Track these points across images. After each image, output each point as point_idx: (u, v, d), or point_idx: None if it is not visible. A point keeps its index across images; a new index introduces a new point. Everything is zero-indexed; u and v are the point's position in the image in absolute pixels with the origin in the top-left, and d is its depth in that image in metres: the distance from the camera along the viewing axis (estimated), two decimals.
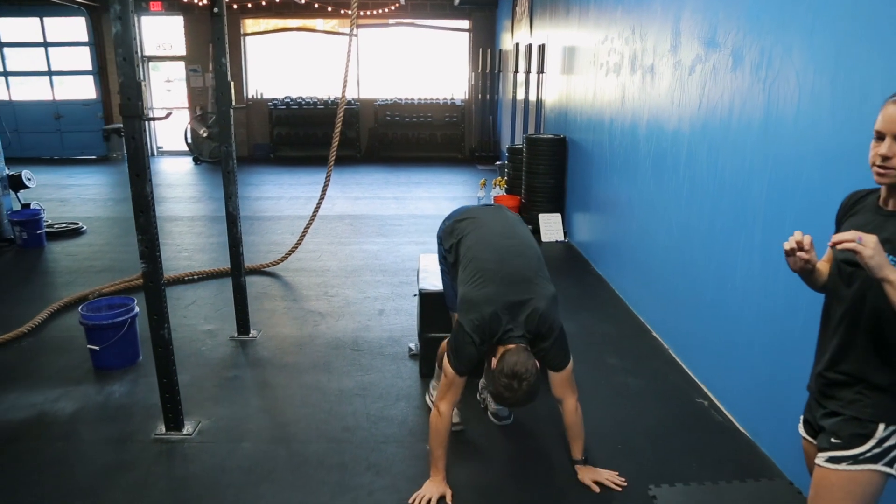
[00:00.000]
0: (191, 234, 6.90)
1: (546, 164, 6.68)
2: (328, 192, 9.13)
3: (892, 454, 1.61)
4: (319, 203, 5.56)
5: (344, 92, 4.95)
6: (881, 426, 1.60)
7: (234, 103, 3.69)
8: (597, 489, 2.67)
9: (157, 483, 2.70)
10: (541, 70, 7.76)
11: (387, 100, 12.91)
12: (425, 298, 3.51)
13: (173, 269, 5.52)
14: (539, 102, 8.02)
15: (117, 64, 2.46)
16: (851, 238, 1.43)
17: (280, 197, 8.85)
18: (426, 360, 3.61)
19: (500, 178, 8.37)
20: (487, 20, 12.77)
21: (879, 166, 1.54)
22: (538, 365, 2.40)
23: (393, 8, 11.72)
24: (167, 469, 2.80)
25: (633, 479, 2.74)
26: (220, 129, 3.79)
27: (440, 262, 3.06)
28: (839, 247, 1.45)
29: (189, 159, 12.03)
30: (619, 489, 2.66)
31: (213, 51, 3.69)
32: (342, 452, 2.90)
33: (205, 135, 11.54)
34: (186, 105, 12.49)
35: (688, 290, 3.79)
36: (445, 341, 3.52)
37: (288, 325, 4.39)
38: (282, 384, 3.55)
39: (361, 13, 11.78)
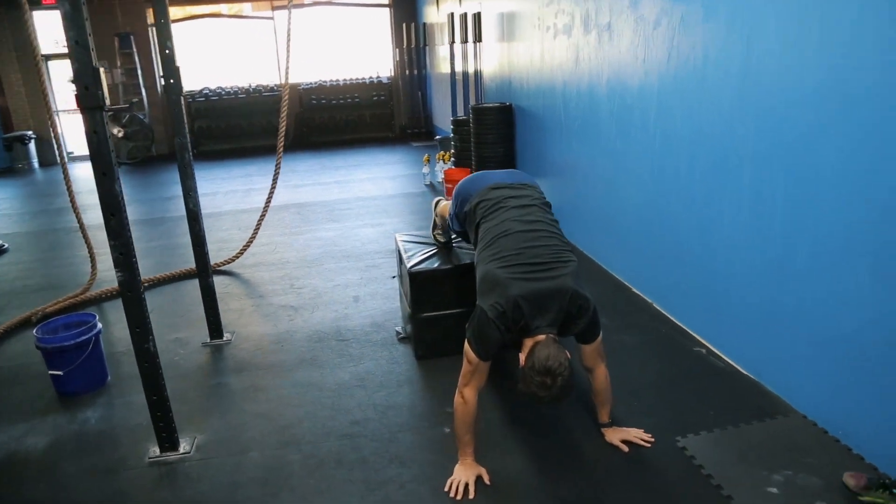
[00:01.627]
0: None
1: (494, 133, 6.59)
2: (263, 183, 8.77)
3: None
4: (271, 194, 5.28)
5: (287, 75, 4.65)
6: None
7: (183, 91, 3.39)
8: (626, 448, 2.64)
9: None
10: (477, 39, 7.63)
11: (310, 83, 12.46)
12: (415, 278, 3.37)
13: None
14: (478, 73, 7.91)
15: (69, 49, 2.17)
16: None
17: (215, 192, 8.41)
18: (421, 342, 3.48)
19: (443, 152, 8.24)
20: None
21: None
22: (569, 356, 2.28)
23: None
24: (172, 493, 2.57)
25: (657, 432, 2.72)
26: (173, 118, 3.49)
27: (452, 207, 3.07)
28: None
29: None
30: (648, 445, 2.65)
31: (156, 34, 3.36)
32: (358, 448, 2.75)
33: (120, 135, 10.82)
34: None
35: (667, 242, 3.81)
36: (440, 202, 3.59)
37: (261, 323, 4.15)
38: (272, 386, 3.34)
39: None
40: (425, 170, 8.18)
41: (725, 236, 3.23)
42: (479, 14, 7.55)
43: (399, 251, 3.71)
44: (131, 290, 2.50)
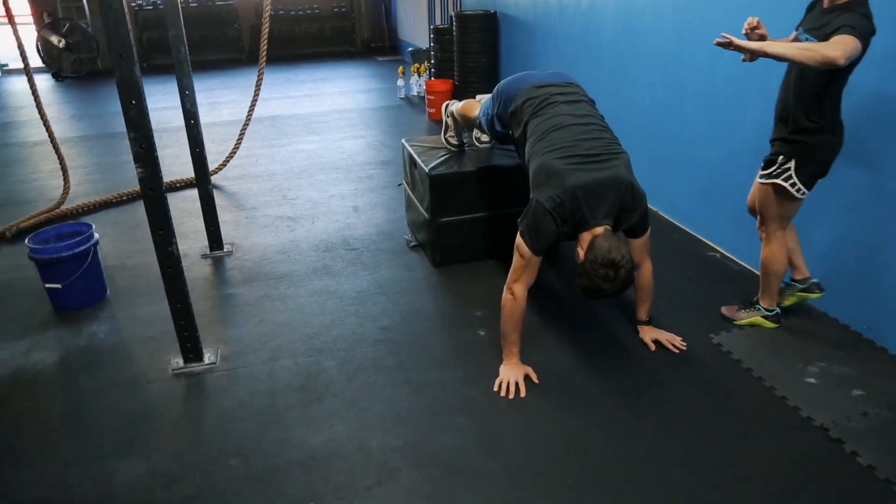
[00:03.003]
0: (93, 153, 6.02)
1: (479, 42, 6.34)
2: (227, 96, 8.32)
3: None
4: (254, 103, 4.98)
5: None
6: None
7: None
8: (653, 347, 2.67)
9: (204, 419, 2.37)
10: None
11: None
12: (436, 181, 3.23)
13: (93, 192, 4.81)
14: None
15: None
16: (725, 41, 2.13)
17: (177, 106, 7.81)
18: (439, 248, 3.39)
19: (417, 64, 7.91)
20: None
21: None
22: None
23: None
24: (208, 402, 2.46)
25: (691, 330, 2.76)
26: (165, 5, 3.17)
27: (491, 106, 2.94)
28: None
29: (47, 76, 10.42)
30: (677, 352, 2.65)
31: None
32: (395, 353, 2.68)
33: (61, 45, 9.96)
34: (30, 13, 10.64)
35: (680, 151, 3.76)
36: (453, 103, 3.47)
37: (260, 234, 3.96)
38: (288, 295, 3.21)
39: None
40: (400, 82, 7.86)
41: (749, 144, 3.18)
42: None
43: (411, 156, 3.55)
44: (153, 188, 2.31)
